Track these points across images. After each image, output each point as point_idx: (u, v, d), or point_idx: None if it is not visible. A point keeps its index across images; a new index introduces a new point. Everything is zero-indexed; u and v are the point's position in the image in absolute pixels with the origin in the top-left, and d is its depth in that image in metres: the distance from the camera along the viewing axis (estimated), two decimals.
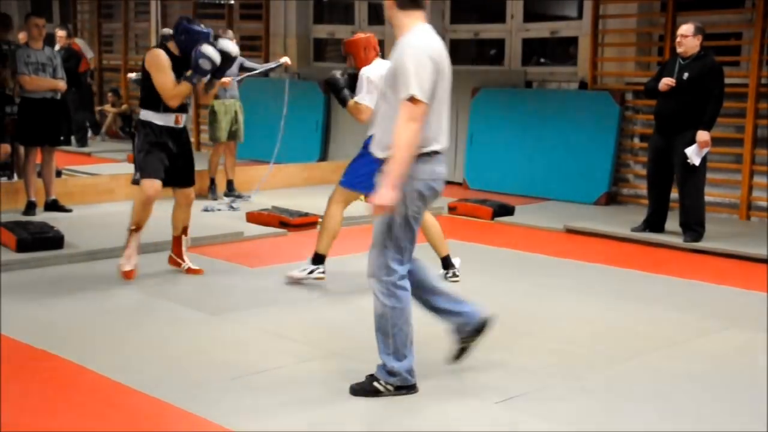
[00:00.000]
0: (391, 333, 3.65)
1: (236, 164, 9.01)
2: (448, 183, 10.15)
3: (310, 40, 12.17)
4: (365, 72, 5.37)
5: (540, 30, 10.03)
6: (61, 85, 7.43)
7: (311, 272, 5.46)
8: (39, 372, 3.92)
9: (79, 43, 11.47)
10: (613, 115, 8.89)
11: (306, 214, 7.41)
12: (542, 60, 10.15)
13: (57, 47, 10.09)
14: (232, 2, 8.80)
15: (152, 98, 5.33)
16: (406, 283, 3.68)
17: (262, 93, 11.88)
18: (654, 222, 7.05)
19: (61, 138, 7.66)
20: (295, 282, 5.46)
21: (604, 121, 8.93)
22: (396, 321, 3.64)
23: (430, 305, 3.88)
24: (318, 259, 5.50)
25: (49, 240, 5.91)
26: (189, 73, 5.28)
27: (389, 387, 3.67)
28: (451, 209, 8.29)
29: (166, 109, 5.33)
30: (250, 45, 12.61)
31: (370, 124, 5.52)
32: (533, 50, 10.22)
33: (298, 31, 11.99)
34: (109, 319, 4.73)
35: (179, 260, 5.70)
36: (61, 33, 10.93)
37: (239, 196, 8.59)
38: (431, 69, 3.49)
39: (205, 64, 5.25)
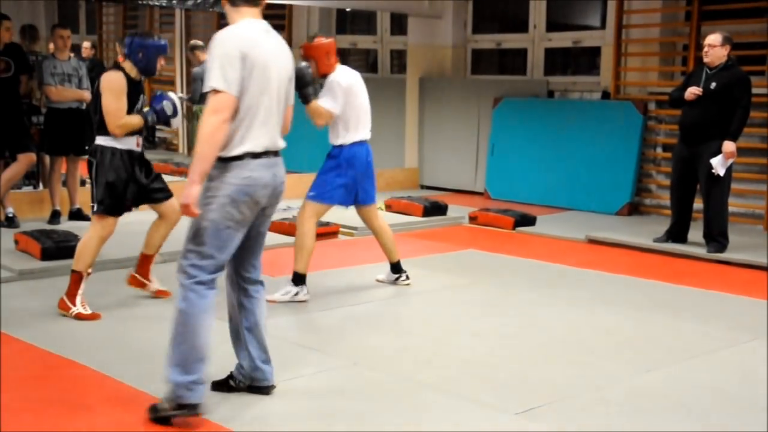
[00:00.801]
0: (176, 340, 3.38)
1: None
2: (470, 193, 10.36)
3: None
4: (335, 77, 5.29)
5: (563, 39, 10.01)
6: (86, 95, 7.52)
7: (295, 294, 5.27)
8: (61, 380, 3.95)
9: None
10: (636, 125, 8.83)
11: (327, 224, 7.43)
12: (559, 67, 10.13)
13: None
14: None
15: None
16: (208, 289, 3.40)
17: None
18: (677, 232, 6.99)
19: (86, 147, 7.74)
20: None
21: (626, 131, 8.88)
22: (182, 328, 3.37)
23: (238, 332, 3.69)
24: (298, 279, 5.30)
25: (73, 249, 5.93)
26: (146, 108, 5.00)
27: (169, 404, 3.39)
28: (472, 219, 8.27)
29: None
30: None
31: (337, 133, 5.40)
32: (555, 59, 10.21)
33: None
34: (129, 327, 4.76)
35: (146, 281, 5.29)
36: (86, 44, 11.06)
37: None
38: (238, 61, 3.29)
39: (168, 108, 5.02)
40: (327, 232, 7.35)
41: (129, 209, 5.15)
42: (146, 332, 4.69)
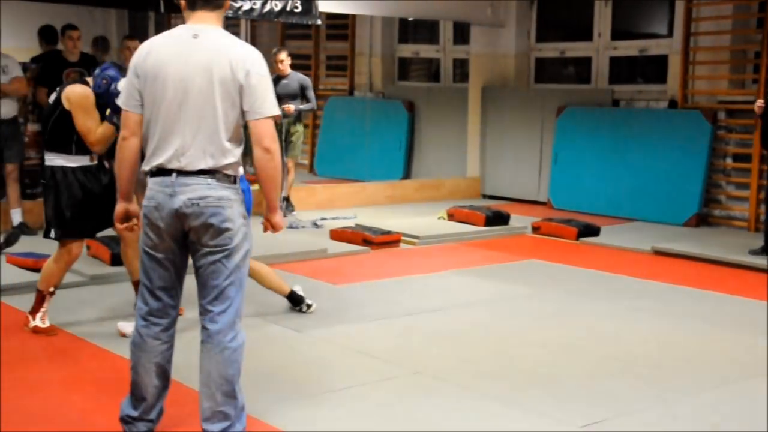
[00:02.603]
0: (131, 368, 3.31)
1: (293, 181, 8.90)
2: (532, 202, 10.24)
3: (394, 60, 12.27)
4: None
5: (628, 48, 9.86)
6: None
7: None
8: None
9: None
10: (704, 135, 8.65)
11: (389, 232, 7.45)
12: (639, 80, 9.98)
13: None
14: (319, 23, 8.94)
15: (63, 140, 4.66)
16: (146, 328, 3.24)
17: (346, 112, 12.04)
18: None
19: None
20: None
21: (694, 141, 8.70)
22: (131, 358, 3.30)
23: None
24: None
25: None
26: (108, 113, 4.57)
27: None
28: (535, 229, 8.20)
29: (78, 151, 4.67)
30: (336, 65, 12.80)
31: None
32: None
33: (383, 50, 12.11)
34: (193, 334, 4.83)
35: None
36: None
37: (292, 212, 8.59)
38: (131, 74, 3.17)
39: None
40: (389, 241, 7.37)
41: (92, 232, 4.95)
42: None
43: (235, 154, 3.16)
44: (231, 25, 13.88)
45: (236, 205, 3.16)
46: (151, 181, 3.16)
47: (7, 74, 7.13)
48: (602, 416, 3.69)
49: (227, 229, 3.13)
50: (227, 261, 3.16)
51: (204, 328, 3.21)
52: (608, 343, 4.80)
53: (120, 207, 3.34)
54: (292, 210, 8.66)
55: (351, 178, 11.08)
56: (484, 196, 10.58)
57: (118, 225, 3.39)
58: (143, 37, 14.99)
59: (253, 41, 13.38)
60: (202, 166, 3.10)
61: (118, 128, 4.02)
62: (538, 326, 5.13)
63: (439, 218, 8.48)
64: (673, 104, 9.11)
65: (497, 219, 8.24)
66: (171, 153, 3.10)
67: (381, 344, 4.71)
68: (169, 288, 3.24)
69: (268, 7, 8.08)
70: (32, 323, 4.77)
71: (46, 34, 8.11)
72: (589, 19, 10.07)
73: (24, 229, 6.99)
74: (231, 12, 8.05)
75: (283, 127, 8.47)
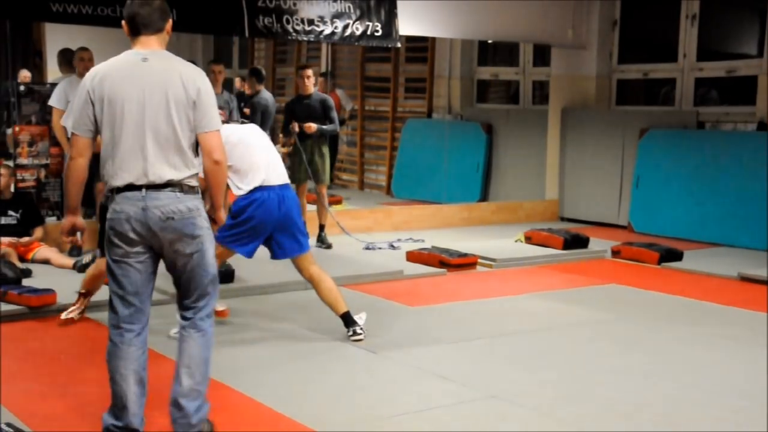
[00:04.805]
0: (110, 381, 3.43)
1: (326, 208, 8.11)
2: (612, 226, 10.03)
3: (473, 82, 12.27)
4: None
5: (715, 69, 9.62)
6: None
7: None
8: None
9: (339, 93, 12.04)
10: None
11: (465, 254, 7.42)
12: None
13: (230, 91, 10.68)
14: (399, 45, 9.02)
15: None
16: (119, 336, 3.38)
17: (424, 134, 12.08)
18: None
19: None
20: None
21: None
22: (109, 369, 3.42)
23: None
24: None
25: (221, 274, 6.17)
26: None
27: None
28: (615, 253, 8.04)
29: None
30: (415, 87, 12.87)
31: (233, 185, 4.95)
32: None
33: (462, 72, 12.12)
34: (272, 352, 4.91)
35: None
36: (238, 79, 11.62)
37: (328, 246, 7.94)
38: (83, 99, 3.33)
39: None
40: (466, 263, 7.33)
41: None
42: (290, 358, 4.80)
43: (194, 165, 3.41)
44: (312, 48, 14.14)
45: (202, 212, 3.43)
46: (119, 196, 3.35)
47: None
48: None
49: (198, 236, 3.40)
50: (202, 262, 3.43)
51: (186, 318, 3.48)
52: (691, 371, 4.66)
53: (68, 221, 3.53)
54: (330, 245, 7.95)
55: (428, 199, 11.10)
56: (563, 219, 10.44)
57: (64, 238, 3.58)
58: (228, 61, 15.43)
59: (333, 64, 13.60)
60: (169, 177, 3.33)
61: None
62: (617, 352, 5.02)
63: (516, 241, 8.40)
64: (762, 126, 8.84)
65: (576, 242, 8.11)
66: (138, 171, 3.32)
67: (457, 367, 4.68)
68: (140, 293, 3.41)
69: (349, 31, 8.19)
70: (63, 314, 5.31)
71: None
72: (674, 40, 9.87)
73: None
74: (313, 36, 8.19)
75: (305, 150, 7.76)
